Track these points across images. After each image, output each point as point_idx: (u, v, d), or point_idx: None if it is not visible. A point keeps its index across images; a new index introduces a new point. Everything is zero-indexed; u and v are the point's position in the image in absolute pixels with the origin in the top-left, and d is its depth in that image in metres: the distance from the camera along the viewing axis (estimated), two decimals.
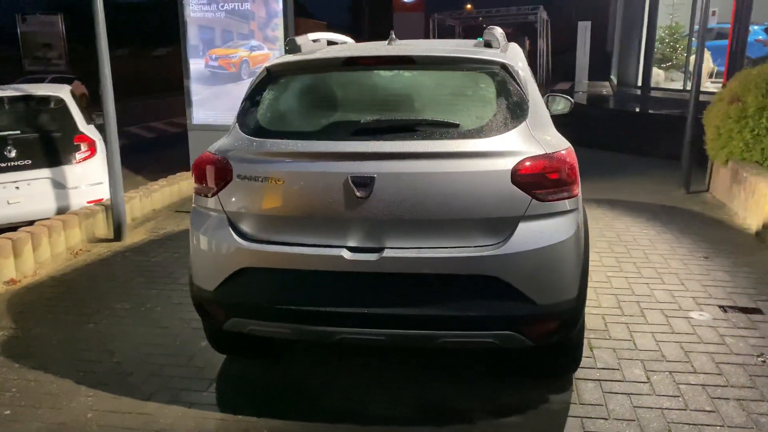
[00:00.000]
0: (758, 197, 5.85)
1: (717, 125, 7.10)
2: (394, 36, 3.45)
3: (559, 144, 2.92)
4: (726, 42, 13.95)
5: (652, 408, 3.04)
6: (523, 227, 2.76)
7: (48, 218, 5.81)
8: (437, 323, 2.77)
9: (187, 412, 3.13)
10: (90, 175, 6.79)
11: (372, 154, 2.77)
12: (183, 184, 7.60)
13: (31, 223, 5.62)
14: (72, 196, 6.63)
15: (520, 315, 2.76)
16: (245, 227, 2.97)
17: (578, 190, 2.89)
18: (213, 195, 3.03)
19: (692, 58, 14.00)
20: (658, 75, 15.59)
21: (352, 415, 3.08)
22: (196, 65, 8.56)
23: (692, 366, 3.41)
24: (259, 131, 3.00)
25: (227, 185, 2.97)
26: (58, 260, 5.43)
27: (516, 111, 2.89)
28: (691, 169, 7.62)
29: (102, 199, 6.64)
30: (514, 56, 3.15)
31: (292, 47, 3.36)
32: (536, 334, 2.83)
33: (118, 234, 5.98)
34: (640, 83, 15.14)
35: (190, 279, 3.24)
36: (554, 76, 20.98)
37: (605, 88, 19.11)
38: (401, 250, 2.78)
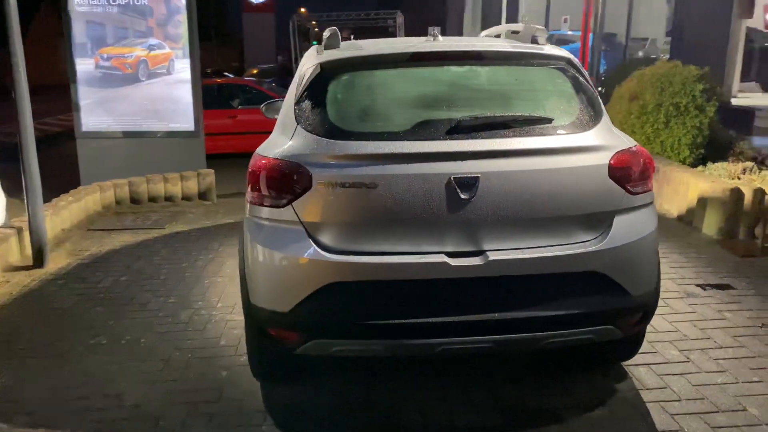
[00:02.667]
0: (675, 185, 6.46)
1: (620, 121, 7.74)
2: (436, 32, 3.31)
3: (630, 138, 2.99)
4: (567, 48, 15.34)
5: (710, 385, 3.22)
6: (618, 221, 2.79)
7: None
8: (543, 324, 2.71)
9: None
10: None
11: (476, 153, 2.64)
12: (89, 199, 6.74)
13: None
14: None
15: (619, 308, 2.80)
16: (328, 239, 2.69)
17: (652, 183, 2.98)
18: (285, 205, 2.71)
19: None
20: None
21: (442, 430, 2.92)
22: (84, 66, 7.65)
23: (715, 342, 3.67)
24: (337, 133, 2.73)
25: (305, 193, 2.67)
26: None
27: (595, 106, 2.91)
28: None
29: None
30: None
31: (333, 42, 3.12)
32: (627, 325, 2.87)
33: (39, 260, 5.15)
34: None
35: (246, 301, 2.88)
36: None
37: None
38: (505, 252, 2.69)
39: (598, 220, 2.77)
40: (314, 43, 3.27)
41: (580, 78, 2.97)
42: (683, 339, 3.71)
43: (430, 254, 2.67)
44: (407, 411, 3.06)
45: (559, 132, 2.77)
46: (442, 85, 2.94)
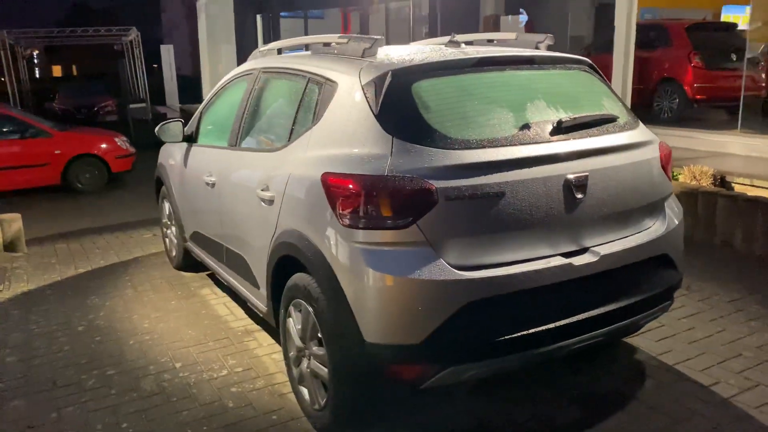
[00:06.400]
0: None
1: None
2: (457, 38, 3.26)
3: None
4: None
5: (697, 341, 3.72)
6: (667, 206, 3.12)
7: None
8: (639, 308, 2.88)
9: None
10: None
11: (584, 152, 2.72)
12: None
13: None
14: None
15: (675, 283, 3.11)
16: (456, 256, 2.50)
17: None
18: (408, 225, 2.44)
19: None
20: None
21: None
22: None
23: None
24: (451, 142, 2.53)
25: (430, 210, 2.44)
26: None
27: (626, 104, 3.18)
28: None
29: None
30: None
31: (374, 50, 2.92)
32: (673, 298, 3.21)
33: None
34: None
35: (354, 341, 2.52)
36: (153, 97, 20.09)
37: None
38: (607, 245, 2.80)
39: (656, 207, 3.05)
40: None
41: (604, 80, 3.22)
42: None
43: (551, 257, 2.66)
44: (512, 422, 2.98)
45: (626, 128, 2.98)
46: (512, 89, 2.91)
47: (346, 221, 2.52)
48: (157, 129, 4.47)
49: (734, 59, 9.91)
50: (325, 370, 2.76)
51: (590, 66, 3.23)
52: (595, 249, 2.76)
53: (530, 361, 2.71)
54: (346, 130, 2.74)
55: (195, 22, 21.54)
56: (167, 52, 22.13)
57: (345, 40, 3.09)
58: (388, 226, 2.46)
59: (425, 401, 3.15)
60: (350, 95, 2.79)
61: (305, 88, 3.16)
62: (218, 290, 4.80)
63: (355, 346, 2.54)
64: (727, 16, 15.15)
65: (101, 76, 20.90)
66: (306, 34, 14.76)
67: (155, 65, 23.89)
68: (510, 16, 14.50)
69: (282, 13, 15.71)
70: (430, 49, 3.19)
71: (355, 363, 2.59)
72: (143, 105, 15.74)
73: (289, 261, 2.96)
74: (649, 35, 11.00)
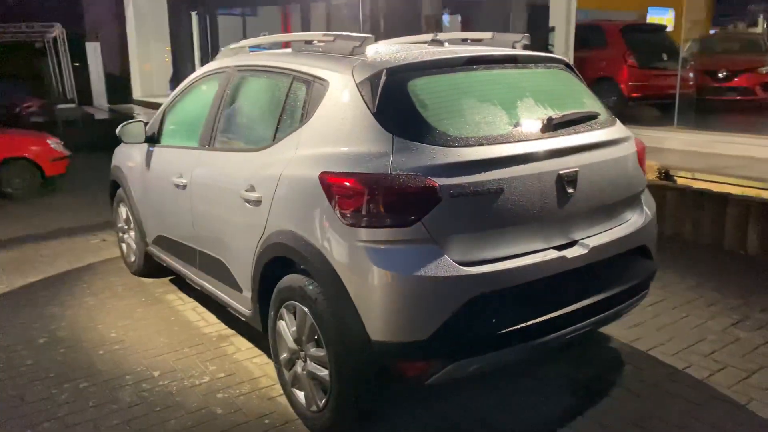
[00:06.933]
0: None
1: None
2: (439, 37, 3.28)
3: None
4: None
5: (664, 327, 3.91)
6: (643, 200, 3.25)
7: None
8: (624, 296, 3.00)
9: None
10: None
11: (575, 147, 2.80)
12: None
13: None
14: None
15: (652, 272, 3.25)
16: (460, 252, 2.53)
17: None
18: (413, 223, 2.45)
19: None
20: None
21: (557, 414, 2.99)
22: None
23: None
24: (452, 140, 2.56)
25: (434, 207, 2.46)
26: None
27: (600, 102, 3.29)
28: None
29: None
30: None
31: (363, 49, 2.91)
32: (649, 287, 3.35)
33: None
34: None
35: (358, 340, 2.52)
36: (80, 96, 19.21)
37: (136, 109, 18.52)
38: (594, 238, 2.90)
39: (634, 201, 3.18)
40: None
41: (580, 77, 3.33)
42: None
43: (545, 251, 2.72)
44: (508, 412, 3.03)
45: (606, 125, 3.08)
46: (501, 87, 2.95)
47: (349, 220, 2.50)
48: (118, 130, 4.30)
49: (666, 59, 10.42)
50: (325, 371, 2.73)
51: (566, 65, 3.32)
52: (585, 241, 2.85)
53: (530, 352, 2.77)
54: (341, 129, 2.72)
55: (123, 18, 20.80)
56: (94, 51, 21.25)
57: (331, 38, 3.06)
58: (392, 224, 2.46)
59: (419, 398, 3.17)
60: (343, 93, 2.77)
61: (290, 87, 3.11)
62: (184, 295, 4.66)
63: (359, 345, 2.52)
64: (653, 17, 15.94)
65: (22, 76, 19.83)
66: (244, 32, 14.50)
67: (77, 63, 22.99)
68: (448, 16, 14.74)
69: (219, 11, 15.37)
70: (416, 47, 3.21)
71: (359, 362, 2.57)
72: (72, 105, 15.03)
73: (281, 262, 2.91)
74: (586, 36, 11.40)
